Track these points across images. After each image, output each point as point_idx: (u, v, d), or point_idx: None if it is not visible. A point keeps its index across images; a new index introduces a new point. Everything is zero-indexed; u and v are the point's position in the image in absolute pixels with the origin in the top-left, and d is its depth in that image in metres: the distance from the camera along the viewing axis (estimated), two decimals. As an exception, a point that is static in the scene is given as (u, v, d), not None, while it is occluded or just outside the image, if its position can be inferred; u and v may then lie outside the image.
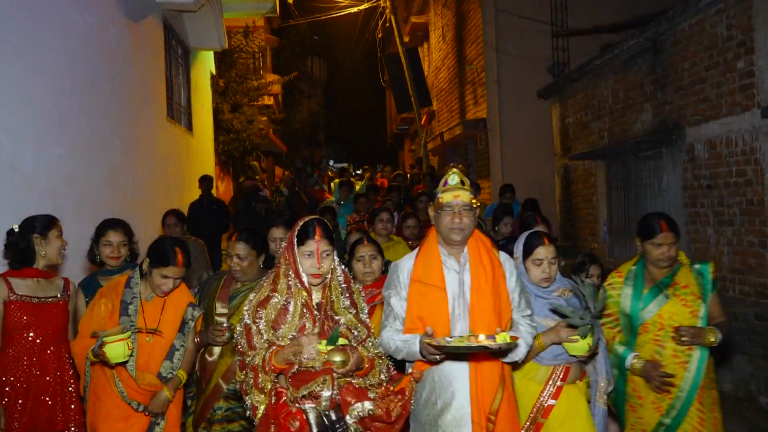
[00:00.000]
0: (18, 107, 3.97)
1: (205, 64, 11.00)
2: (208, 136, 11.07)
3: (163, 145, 7.63)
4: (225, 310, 3.23)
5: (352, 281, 2.73)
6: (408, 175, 13.42)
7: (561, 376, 2.87)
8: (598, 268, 3.96)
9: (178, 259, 2.93)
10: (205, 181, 8.35)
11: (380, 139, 34.46)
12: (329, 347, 2.37)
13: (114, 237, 3.48)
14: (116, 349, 2.67)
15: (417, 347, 2.47)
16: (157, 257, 2.94)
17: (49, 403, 3.20)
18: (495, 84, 11.78)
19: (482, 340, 2.31)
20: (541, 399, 2.85)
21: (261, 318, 2.50)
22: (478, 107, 12.75)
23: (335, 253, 2.60)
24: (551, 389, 2.86)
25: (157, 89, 7.49)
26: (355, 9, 16.61)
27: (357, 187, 12.65)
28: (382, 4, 15.55)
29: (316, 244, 2.49)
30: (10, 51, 3.88)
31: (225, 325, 3.09)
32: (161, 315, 3.02)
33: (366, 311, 2.69)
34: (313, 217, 2.62)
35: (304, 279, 2.51)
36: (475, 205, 2.63)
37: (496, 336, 2.33)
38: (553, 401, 2.85)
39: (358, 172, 25.01)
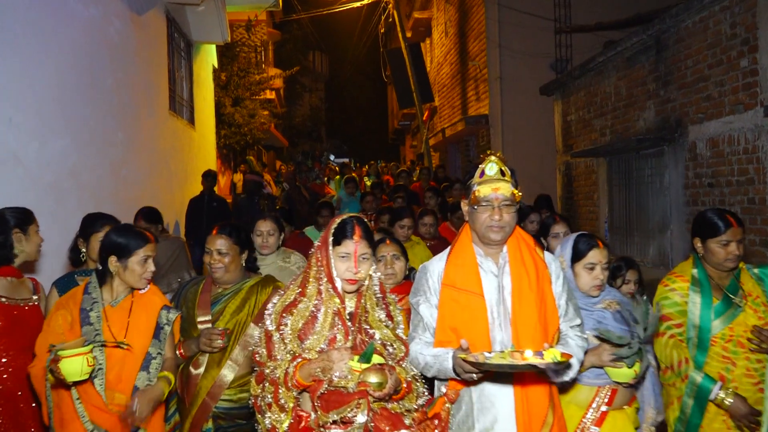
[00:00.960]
0: (22, 99, 3.97)
1: (208, 58, 11.00)
2: (210, 130, 11.07)
3: (165, 139, 7.63)
4: (207, 318, 2.86)
5: (388, 291, 2.43)
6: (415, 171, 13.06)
7: (606, 400, 2.53)
8: (635, 273, 3.59)
9: (148, 235, 2.68)
10: (209, 177, 8.01)
11: (382, 135, 34.49)
12: (363, 365, 2.08)
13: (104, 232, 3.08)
14: (72, 364, 2.26)
15: (450, 363, 2.14)
16: (128, 243, 2.61)
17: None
18: (497, 80, 11.76)
19: (529, 357, 1.97)
20: (583, 425, 2.50)
21: (286, 325, 2.22)
22: (480, 103, 12.75)
23: (373, 257, 2.33)
24: (594, 414, 2.51)
25: (160, 82, 7.49)
26: (357, 3, 16.57)
27: (368, 182, 12.58)
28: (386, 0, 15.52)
29: (355, 245, 2.22)
30: (14, 42, 3.88)
31: (221, 328, 2.75)
32: (129, 319, 2.63)
33: (402, 326, 2.40)
34: (353, 215, 2.34)
35: (338, 284, 2.24)
36: (518, 199, 2.28)
37: (544, 352, 2.00)
38: (596, 429, 2.50)
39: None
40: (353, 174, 13.57)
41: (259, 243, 3.69)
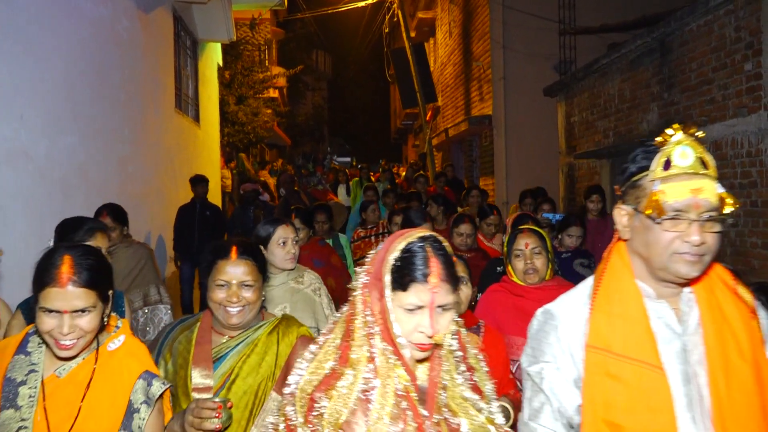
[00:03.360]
0: (33, 96, 4.01)
1: (213, 56, 11.04)
2: (215, 128, 11.11)
3: (170, 136, 7.68)
4: (208, 382, 1.90)
5: (467, 342, 1.53)
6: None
7: None
8: None
9: (62, 271, 1.60)
10: (200, 184, 6.99)
11: (384, 134, 34.56)
12: None
13: (94, 242, 2.45)
14: None
15: None
16: (35, 277, 1.63)
17: None
18: (501, 81, 11.80)
19: None
20: None
21: (321, 415, 1.37)
22: (483, 104, 12.78)
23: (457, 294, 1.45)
24: None
25: (166, 80, 7.54)
26: (362, 3, 16.61)
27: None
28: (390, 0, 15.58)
29: (431, 294, 1.35)
30: (28, 42, 3.92)
31: (217, 400, 1.73)
32: (83, 402, 1.63)
33: (494, 397, 1.53)
34: (425, 234, 1.44)
35: (405, 351, 1.40)
36: (726, 207, 1.33)
37: None
38: None
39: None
40: (372, 178, 12.89)
41: (281, 256, 2.85)
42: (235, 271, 1.95)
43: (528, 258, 2.80)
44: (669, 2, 9.23)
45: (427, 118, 15.50)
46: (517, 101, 11.62)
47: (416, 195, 7.26)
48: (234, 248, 1.98)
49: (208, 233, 6.83)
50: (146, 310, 3.65)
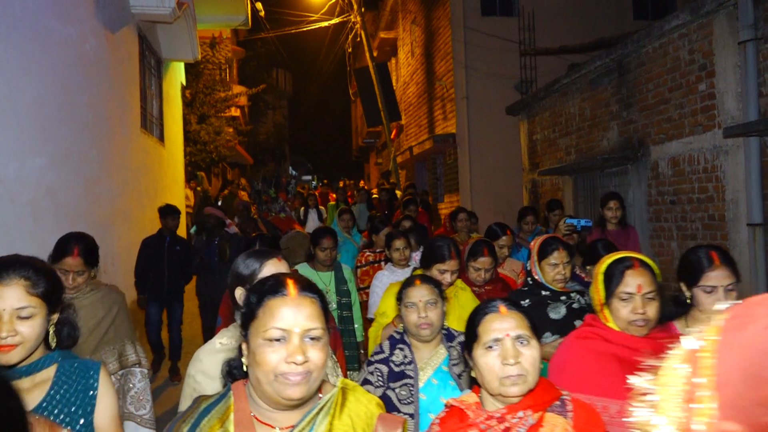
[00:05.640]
0: (2, 118, 3.93)
1: (176, 75, 10.95)
2: (179, 148, 10.99)
3: (136, 156, 7.57)
4: None
5: None
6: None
7: None
8: None
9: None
10: (171, 215, 6.21)
11: (345, 152, 34.68)
12: None
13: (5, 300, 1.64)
14: None
15: None
16: None
17: None
18: (464, 100, 12.06)
19: None
20: None
21: None
22: (447, 122, 13.01)
23: None
24: None
25: (132, 100, 7.44)
26: (325, 23, 16.75)
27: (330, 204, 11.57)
28: (353, 20, 15.75)
29: None
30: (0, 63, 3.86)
31: None
32: None
33: None
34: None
35: None
36: None
37: None
38: None
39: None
40: (349, 197, 12.49)
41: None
42: (297, 315, 1.29)
43: (640, 307, 2.03)
44: (623, 26, 9.64)
45: (392, 137, 15.66)
46: (481, 120, 11.89)
47: (410, 218, 6.14)
48: (291, 281, 1.36)
49: (179, 271, 6.16)
50: (119, 375, 2.83)
